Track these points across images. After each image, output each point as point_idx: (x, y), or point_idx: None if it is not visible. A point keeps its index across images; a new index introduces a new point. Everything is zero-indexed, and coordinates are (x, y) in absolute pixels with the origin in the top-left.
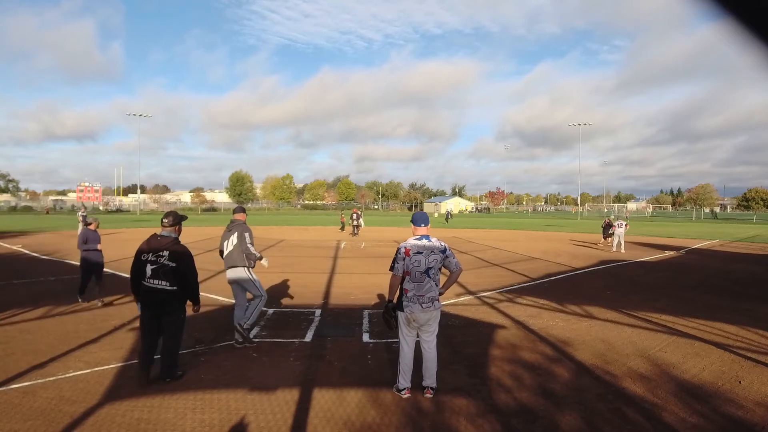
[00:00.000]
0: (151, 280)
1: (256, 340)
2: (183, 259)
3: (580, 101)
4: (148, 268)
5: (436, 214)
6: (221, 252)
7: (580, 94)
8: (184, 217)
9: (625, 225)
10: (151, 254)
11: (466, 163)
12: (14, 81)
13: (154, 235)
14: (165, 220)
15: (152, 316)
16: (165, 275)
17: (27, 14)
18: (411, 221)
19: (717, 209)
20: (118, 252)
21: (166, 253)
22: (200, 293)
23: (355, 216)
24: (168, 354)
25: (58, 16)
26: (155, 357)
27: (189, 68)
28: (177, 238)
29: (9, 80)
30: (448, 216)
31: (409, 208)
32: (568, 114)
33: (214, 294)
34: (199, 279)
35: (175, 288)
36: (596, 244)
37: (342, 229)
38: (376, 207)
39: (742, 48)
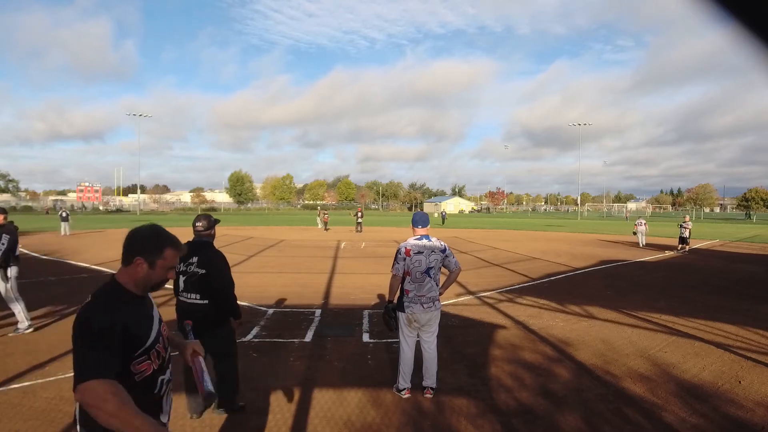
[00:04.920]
0: (185, 294)
1: (256, 340)
2: (213, 265)
3: (591, 101)
4: (181, 281)
5: (435, 214)
6: None
7: (592, 94)
8: (217, 220)
9: (645, 224)
10: (182, 264)
11: (470, 163)
12: (22, 80)
13: (186, 242)
14: (198, 224)
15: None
16: (194, 286)
17: (40, 13)
18: (411, 222)
19: (739, 210)
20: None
21: (195, 258)
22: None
23: (359, 214)
24: (222, 381)
25: (70, 15)
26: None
27: (196, 68)
28: (209, 242)
29: (17, 80)
30: (444, 217)
31: (409, 208)
32: (578, 114)
33: None
34: None
35: (206, 301)
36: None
37: (320, 226)
38: (375, 207)
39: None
